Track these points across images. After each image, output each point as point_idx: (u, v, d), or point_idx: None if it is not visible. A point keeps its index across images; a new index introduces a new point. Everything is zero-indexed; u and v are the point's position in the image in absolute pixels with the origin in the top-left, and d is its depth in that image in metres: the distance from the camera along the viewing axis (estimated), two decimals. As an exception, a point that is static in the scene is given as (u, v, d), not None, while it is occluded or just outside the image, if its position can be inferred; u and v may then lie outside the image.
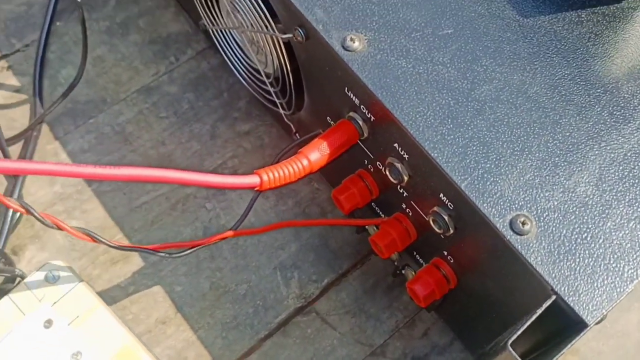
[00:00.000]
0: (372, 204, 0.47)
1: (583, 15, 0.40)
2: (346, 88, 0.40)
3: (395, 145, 0.38)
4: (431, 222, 0.39)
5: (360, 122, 0.40)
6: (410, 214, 0.42)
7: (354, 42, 0.38)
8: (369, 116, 0.39)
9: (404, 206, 0.42)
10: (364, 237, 0.51)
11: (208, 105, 0.59)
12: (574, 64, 0.39)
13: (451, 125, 0.36)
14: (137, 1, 0.63)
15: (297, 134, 0.53)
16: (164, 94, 0.59)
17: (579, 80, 0.38)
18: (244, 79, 0.55)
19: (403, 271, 0.47)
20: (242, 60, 0.54)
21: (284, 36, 0.42)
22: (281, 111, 0.51)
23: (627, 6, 0.41)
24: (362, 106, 0.39)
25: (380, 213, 0.47)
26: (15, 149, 0.55)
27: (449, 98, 0.37)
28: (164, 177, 0.34)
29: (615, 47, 0.39)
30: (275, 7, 0.43)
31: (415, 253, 0.45)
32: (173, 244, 0.44)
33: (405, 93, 0.37)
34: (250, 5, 0.44)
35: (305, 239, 0.53)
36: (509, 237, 0.33)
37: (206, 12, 0.53)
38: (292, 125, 0.52)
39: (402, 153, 0.38)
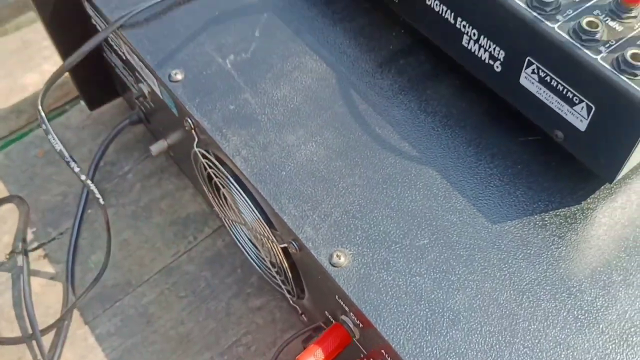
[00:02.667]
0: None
1: (547, 219, 0.45)
2: (336, 296, 0.44)
3: (382, 351, 0.42)
4: (420, 422, 0.41)
5: (351, 326, 0.44)
6: (404, 407, 0.45)
7: (339, 258, 0.43)
8: (357, 322, 0.44)
9: (398, 399, 0.45)
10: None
11: (223, 283, 0.64)
12: (540, 268, 0.43)
13: (429, 337, 0.40)
14: (160, 184, 0.70)
15: (303, 315, 0.57)
16: (183, 273, 0.65)
17: (544, 284, 0.42)
18: (253, 261, 0.60)
19: None
20: (250, 247, 0.60)
21: (281, 245, 0.48)
22: (287, 295, 0.56)
23: (586, 207, 0.45)
24: (351, 313, 0.44)
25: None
26: (48, 337, 0.61)
27: (426, 309, 0.41)
28: None
29: (577, 248, 0.43)
30: (272, 220, 0.48)
31: None
32: None
33: (387, 306, 0.41)
34: (252, 214, 0.50)
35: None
36: None
37: (218, 206, 0.59)
38: (297, 308, 0.57)
39: (388, 359, 0.42)
